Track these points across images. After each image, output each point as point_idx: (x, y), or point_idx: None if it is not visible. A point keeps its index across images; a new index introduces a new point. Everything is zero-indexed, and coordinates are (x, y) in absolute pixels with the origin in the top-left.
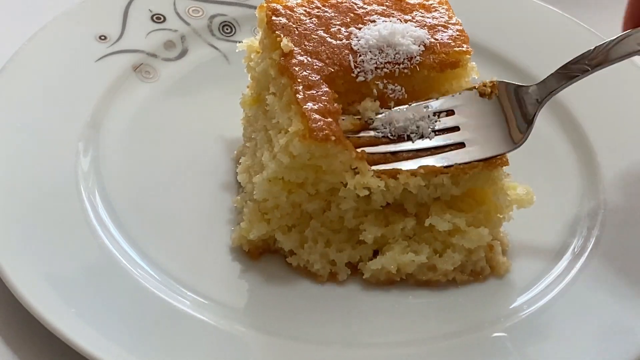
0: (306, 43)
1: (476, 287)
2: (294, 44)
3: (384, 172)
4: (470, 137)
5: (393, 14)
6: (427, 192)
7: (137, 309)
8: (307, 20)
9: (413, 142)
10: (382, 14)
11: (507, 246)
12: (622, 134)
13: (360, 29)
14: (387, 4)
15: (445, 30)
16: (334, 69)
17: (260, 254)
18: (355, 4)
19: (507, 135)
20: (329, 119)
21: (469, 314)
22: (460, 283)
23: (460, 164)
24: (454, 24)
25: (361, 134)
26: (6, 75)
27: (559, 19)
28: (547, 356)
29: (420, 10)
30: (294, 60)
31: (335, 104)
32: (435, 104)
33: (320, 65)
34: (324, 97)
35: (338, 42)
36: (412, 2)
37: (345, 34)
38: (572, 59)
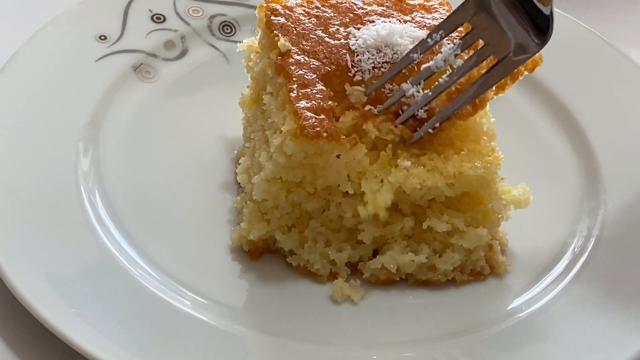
0: (304, 42)
1: (476, 287)
2: (291, 44)
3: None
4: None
5: (393, 14)
6: (420, 194)
7: (137, 309)
8: (306, 20)
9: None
10: (381, 15)
11: (506, 245)
12: (622, 134)
13: (359, 29)
14: (387, 4)
15: None
16: (331, 68)
17: (260, 253)
18: (355, 4)
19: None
20: (322, 116)
21: (469, 314)
22: (460, 283)
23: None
24: None
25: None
26: (6, 75)
27: (559, 19)
28: (547, 356)
29: (421, 11)
30: (290, 60)
31: (330, 102)
32: (436, 36)
33: (317, 64)
34: (318, 95)
35: (336, 41)
36: (412, 2)
37: (344, 33)
38: None
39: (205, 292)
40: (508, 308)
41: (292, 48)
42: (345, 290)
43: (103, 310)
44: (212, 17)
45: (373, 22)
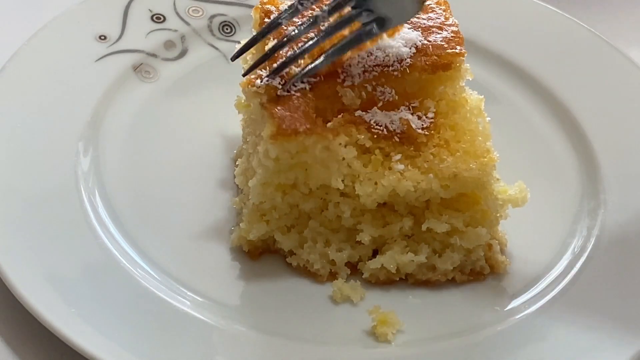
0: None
1: (476, 287)
2: None
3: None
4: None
5: None
6: (415, 196)
7: (137, 309)
8: (299, 22)
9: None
10: None
11: (506, 245)
12: (622, 134)
13: None
14: None
15: (440, 31)
16: (318, 76)
17: (260, 254)
18: None
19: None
20: (297, 114)
21: (469, 314)
22: (460, 282)
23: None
24: (449, 25)
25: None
26: (6, 75)
27: (559, 19)
28: (547, 357)
29: None
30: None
31: (309, 95)
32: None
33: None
34: (295, 101)
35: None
36: None
37: None
38: None
39: (205, 292)
40: (508, 308)
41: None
42: (344, 290)
43: (103, 310)
44: (212, 17)
45: None
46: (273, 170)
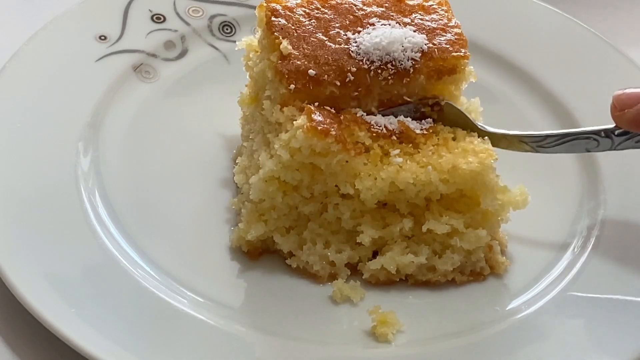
0: (304, 46)
1: (476, 287)
2: (292, 47)
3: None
4: None
5: (392, 16)
6: (415, 191)
7: (137, 309)
8: (307, 22)
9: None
10: (381, 16)
11: (506, 246)
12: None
13: (359, 32)
14: (386, 5)
15: (444, 34)
16: (329, 75)
17: (259, 254)
18: (355, 5)
19: None
20: (332, 121)
21: (469, 314)
22: (459, 283)
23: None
24: (452, 27)
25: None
26: (6, 75)
27: (559, 19)
28: (547, 357)
29: (420, 12)
30: (290, 66)
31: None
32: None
33: (315, 72)
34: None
35: (336, 46)
36: (411, 3)
37: (344, 37)
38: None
39: (204, 292)
40: (508, 308)
41: (293, 52)
42: (344, 290)
43: (103, 310)
44: (212, 17)
45: (373, 24)
46: (285, 163)
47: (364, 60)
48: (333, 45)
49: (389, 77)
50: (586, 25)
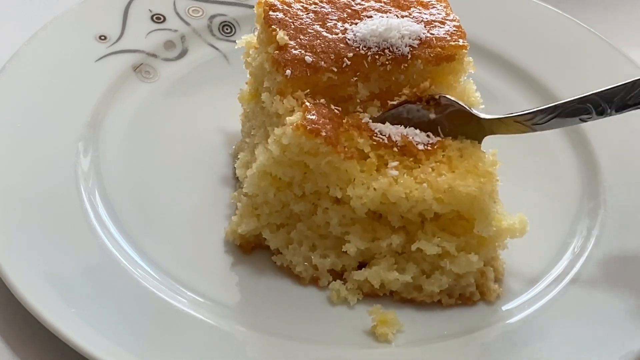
0: (301, 37)
1: None
2: (289, 38)
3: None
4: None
5: (390, 10)
6: (407, 206)
7: (137, 308)
8: (304, 15)
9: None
10: (379, 10)
11: (502, 274)
12: (622, 134)
13: (356, 24)
14: (384, 0)
15: (442, 25)
16: (327, 62)
17: (252, 248)
18: (353, 0)
19: None
20: (326, 121)
21: (468, 314)
22: (446, 306)
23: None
24: (451, 20)
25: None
26: (6, 75)
27: (559, 19)
28: (546, 357)
29: (418, 7)
30: (287, 55)
31: (338, 109)
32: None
33: (312, 59)
34: (325, 108)
35: (333, 36)
36: None
37: (341, 28)
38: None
39: (204, 291)
40: (508, 308)
41: (290, 42)
42: (342, 292)
43: (103, 310)
44: (212, 17)
45: (371, 17)
46: (276, 158)
47: (361, 46)
48: (330, 36)
49: (387, 63)
50: (586, 25)
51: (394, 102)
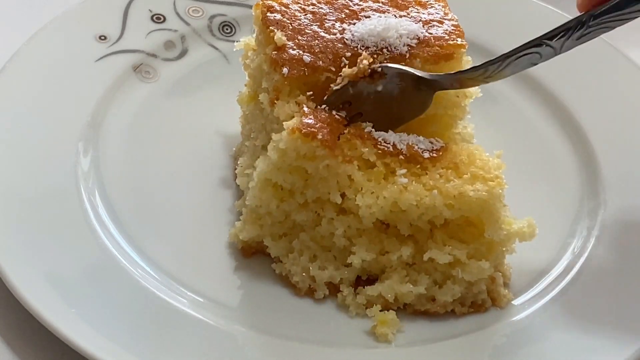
0: (299, 37)
1: None
2: (287, 39)
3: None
4: None
5: (388, 10)
6: (417, 213)
7: (137, 308)
8: (302, 16)
9: None
10: (377, 11)
11: (509, 279)
12: (622, 134)
13: (354, 24)
14: (382, 0)
15: (441, 25)
16: (325, 62)
17: (252, 253)
18: (351, 0)
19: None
20: (323, 125)
21: (467, 315)
22: (459, 315)
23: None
24: (449, 20)
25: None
26: (6, 75)
27: (558, 19)
28: (547, 356)
29: (416, 7)
30: (285, 55)
31: (340, 114)
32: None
33: (311, 59)
34: (326, 113)
35: (332, 36)
36: None
37: (340, 28)
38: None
39: (204, 292)
40: (508, 308)
41: (288, 43)
42: (347, 300)
43: (103, 310)
44: (212, 17)
45: (369, 17)
46: (275, 164)
47: (359, 46)
48: (328, 36)
49: (385, 62)
50: None
51: (337, 86)
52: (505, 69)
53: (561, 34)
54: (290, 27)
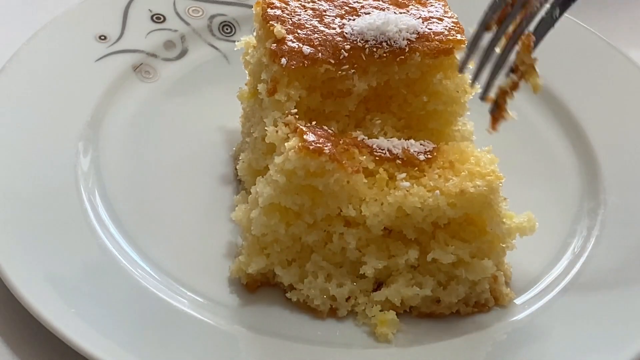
0: (299, 31)
1: None
2: (287, 32)
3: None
4: None
5: (388, 8)
6: (422, 215)
7: (136, 309)
8: (302, 12)
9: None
10: (376, 8)
11: (510, 278)
12: (622, 134)
13: (354, 20)
14: None
15: (440, 22)
16: (324, 54)
17: (258, 287)
18: None
19: None
20: (325, 140)
21: (472, 314)
22: (464, 315)
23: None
24: (449, 17)
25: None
26: (6, 75)
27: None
28: (547, 357)
29: (416, 5)
30: (285, 47)
31: (331, 129)
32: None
33: (310, 51)
34: (319, 129)
35: (331, 30)
36: None
37: (339, 24)
38: None
39: (204, 292)
40: (508, 308)
41: (287, 36)
42: (358, 307)
43: (103, 310)
44: (212, 17)
45: (369, 13)
46: (282, 187)
47: (359, 39)
48: (327, 30)
49: (384, 55)
50: (586, 25)
51: None
52: None
53: None
54: (290, 22)
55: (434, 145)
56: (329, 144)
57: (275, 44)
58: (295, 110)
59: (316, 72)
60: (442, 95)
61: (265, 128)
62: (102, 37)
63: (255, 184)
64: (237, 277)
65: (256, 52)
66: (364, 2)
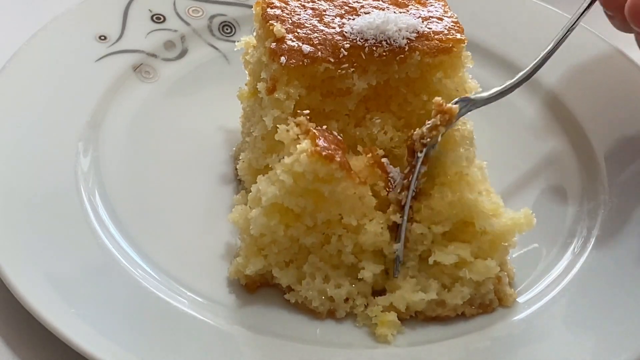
0: (299, 31)
1: None
2: (286, 31)
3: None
4: None
5: (388, 7)
6: (422, 239)
7: (136, 308)
8: (302, 12)
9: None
10: (376, 8)
11: (513, 278)
12: (622, 134)
13: (353, 19)
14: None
15: (440, 21)
16: (324, 53)
17: (257, 287)
18: None
19: None
20: (336, 147)
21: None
22: (469, 316)
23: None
24: (449, 17)
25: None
26: (6, 75)
27: (559, 19)
28: (547, 356)
29: (416, 5)
30: (284, 46)
31: (340, 136)
32: None
33: (310, 49)
34: (329, 134)
35: (331, 29)
36: None
37: (339, 23)
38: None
39: (204, 292)
40: (508, 308)
41: (287, 35)
42: (357, 310)
43: (103, 310)
44: (212, 17)
45: (369, 13)
46: (288, 188)
47: (358, 38)
48: (327, 29)
49: (384, 54)
50: (586, 25)
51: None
52: None
53: None
54: (290, 22)
55: (405, 172)
56: (340, 152)
57: (274, 43)
58: (307, 111)
59: (316, 70)
60: (442, 94)
61: (267, 126)
62: (102, 37)
63: (255, 183)
64: (235, 278)
65: (256, 51)
66: (364, 2)
